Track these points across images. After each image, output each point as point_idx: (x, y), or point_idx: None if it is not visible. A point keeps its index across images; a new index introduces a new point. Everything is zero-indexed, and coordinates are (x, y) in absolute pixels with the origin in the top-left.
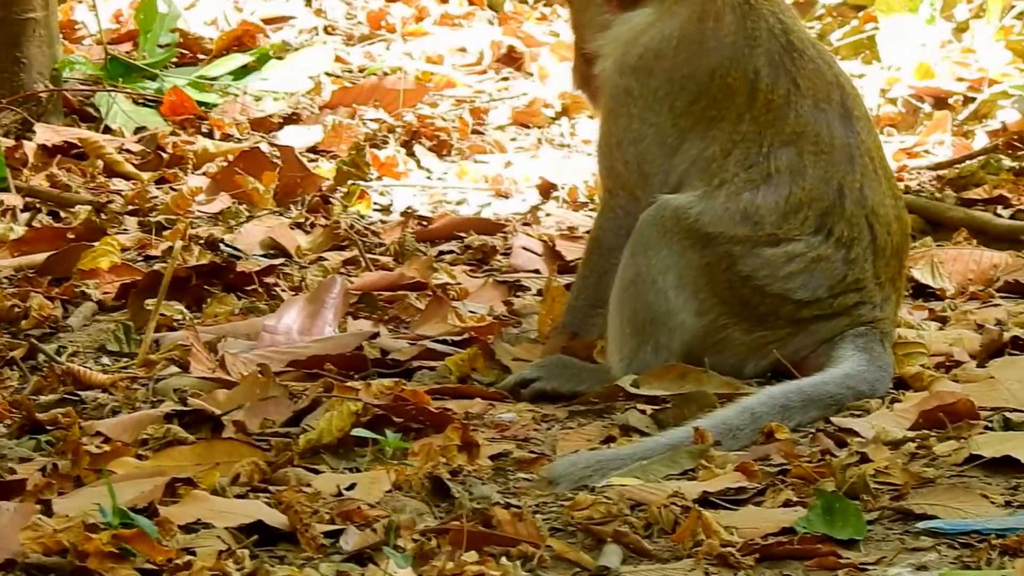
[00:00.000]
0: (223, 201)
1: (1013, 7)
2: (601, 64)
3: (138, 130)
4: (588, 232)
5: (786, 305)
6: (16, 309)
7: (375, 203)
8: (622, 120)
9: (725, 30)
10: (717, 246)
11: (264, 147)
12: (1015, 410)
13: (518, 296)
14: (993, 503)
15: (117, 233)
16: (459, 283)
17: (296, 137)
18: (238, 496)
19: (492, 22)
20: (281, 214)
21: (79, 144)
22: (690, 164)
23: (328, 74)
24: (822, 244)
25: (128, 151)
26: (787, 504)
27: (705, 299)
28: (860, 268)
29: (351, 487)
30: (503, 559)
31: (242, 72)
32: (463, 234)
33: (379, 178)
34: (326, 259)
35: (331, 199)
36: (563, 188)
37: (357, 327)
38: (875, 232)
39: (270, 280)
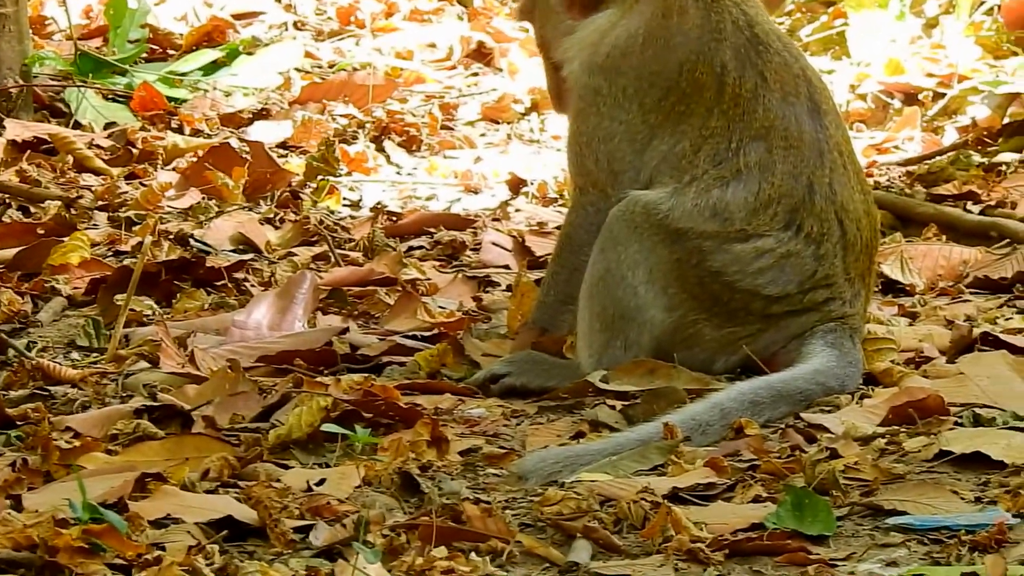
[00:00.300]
0: (193, 196)
1: (982, 3)
2: (568, 67)
3: (108, 126)
4: (558, 228)
5: (756, 301)
6: None
7: (345, 199)
8: (592, 119)
9: (690, 24)
10: (687, 242)
11: (234, 143)
12: (985, 406)
13: (488, 292)
14: (963, 499)
15: (87, 228)
16: (429, 279)
17: (266, 133)
18: (208, 491)
19: (462, 17)
20: (251, 209)
21: (49, 140)
22: (661, 160)
23: (298, 70)
24: (792, 240)
25: (98, 147)
26: (757, 500)
27: (675, 295)
28: (830, 264)
29: (321, 482)
30: (472, 555)
31: (212, 68)
32: (433, 230)
33: (349, 174)
34: (296, 254)
35: (301, 195)
36: (533, 184)
37: (327, 322)
38: (845, 227)
39: (240, 275)
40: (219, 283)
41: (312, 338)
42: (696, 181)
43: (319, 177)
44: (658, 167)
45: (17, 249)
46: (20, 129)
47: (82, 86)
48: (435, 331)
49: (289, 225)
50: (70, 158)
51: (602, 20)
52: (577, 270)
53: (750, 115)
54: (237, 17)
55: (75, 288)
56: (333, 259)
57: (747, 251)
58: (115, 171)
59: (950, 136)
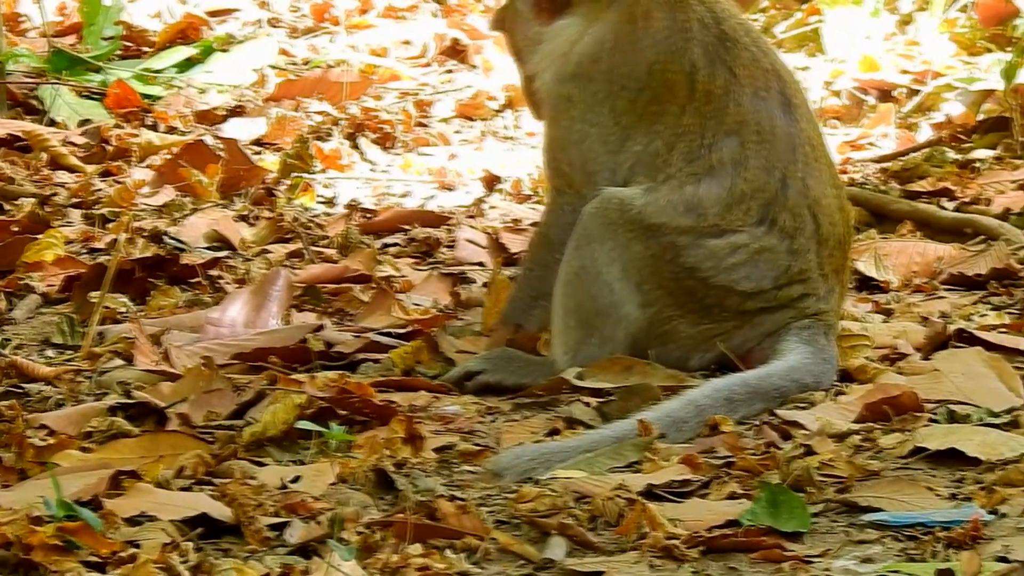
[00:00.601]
0: (167, 194)
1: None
2: (540, 79)
3: (82, 123)
4: (533, 225)
5: (731, 296)
6: None
7: (319, 196)
8: (564, 123)
9: (656, 26)
10: (661, 237)
11: (208, 140)
12: (960, 402)
13: (463, 288)
14: (938, 495)
15: (61, 226)
16: (403, 276)
17: (240, 130)
18: (182, 489)
19: (436, 15)
20: (225, 207)
21: (23, 137)
22: (635, 161)
23: (272, 67)
24: (766, 235)
25: (72, 144)
26: (732, 497)
27: (650, 291)
28: (804, 259)
29: (296, 480)
30: (448, 552)
31: (186, 65)
32: (407, 227)
33: (323, 171)
34: (270, 251)
35: (275, 192)
36: (507, 181)
37: (301, 320)
38: (819, 222)
39: (214, 272)
40: (194, 280)
41: (287, 335)
42: (670, 179)
43: (293, 174)
44: (633, 168)
45: None
46: None
47: (56, 83)
48: (410, 328)
49: (264, 222)
50: (44, 155)
51: (570, 30)
52: (551, 268)
53: (722, 111)
54: (212, 14)
55: (49, 285)
56: (308, 256)
57: (721, 246)
58: (89, 168)
59: (925, 133)
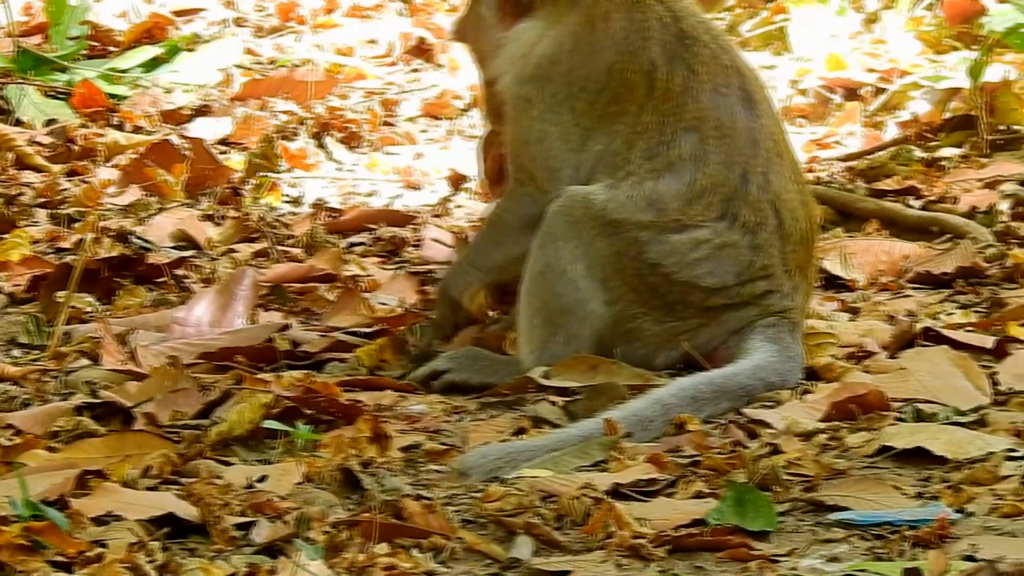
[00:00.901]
0: (133, 193)
1: None
2: (501, 81)
3: (48, 122)
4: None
5: (694, 293)
6: None
7: (285, 195)
8: (524, 123)
9: (615, 27)
10: (624, 233)
11: (174, 139)
12: (926, 401)
13: (429, 288)
14: (905, 494)
15: (27, 225)
16: (370, 275)
17: (206, 129)
18: (149, 488)
19: (402, 14)
20: (191, 206)
21: None
22: (597, 160)
23: (238, 66)
24: (727, 230)
25: (38, 143)
26: (698, 496)
27: (615, 288)
28: (767, 254)
29: (262, 479)
30: (414, 551)
31: (152, 64)
32: (373, 226)
33: (289, 170)
34: (236, 251)
35: (241, 191)
36: (473, 180)
37: (268, 319)
38: (781, 217)
39: (180, 272)
40: (160, 280)
41: (253, 335)
42: (630, 176)
43: (259, 174)
44: (595, 167)
45: None
46: None
47: (22, 83)
48: (376, 327)
49: (229, 222)
50: (10, 155)
51: (530, 33)
52: (499, 246)
53: (681, 108)
54: (177, 14)
55: (15, 285)
56: (274, 256)
57: (683, 242)
58: (55, 168)
59: (891, 131)
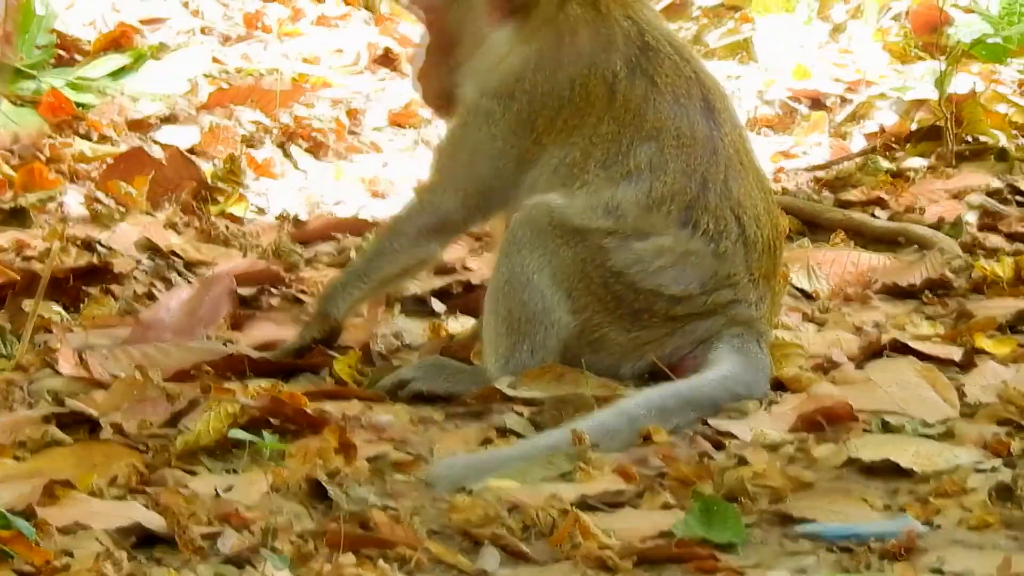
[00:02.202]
0: (100, 202)
1: (890, 8)
2: (464, 84)
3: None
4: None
5: (659, 301)
6: None
7: (251, 205)
8: (477, 135)
9: (580, 42)
10: (587, 241)
11: (149, 147)
12: (893, 413)
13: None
14: (872, 507)
15: None
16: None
17: (173, 138)
18: (116, 498)
19: (368, 23)
20: (153, 215)
21: None
22: (552, 173)
23: (205, 75)
24: (690, 238)
25: (9, 151)
26: (665, 507)
27: (579, 297)
28: (731, 263)
29: (228, 489)
30: (380, 561)
31: (119, 73)
32: (339, 235)
33: (256, 179)
34: (205, 260)
35: (206, 200)
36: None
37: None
38: (743, 224)
39: (146, 280)
40: (126, 288)
41: (216, 349)
42: (587, 185)
43: (223, 185)
44: (550, 179)
45: None
46: None
47: None
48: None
49: (193, 231)
50: None
51: (502, 47)
52: (384, 255)
53: (640, 118)
54: (144, 23)
55: None
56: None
57: (647, 249)
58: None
59: (858, 142)
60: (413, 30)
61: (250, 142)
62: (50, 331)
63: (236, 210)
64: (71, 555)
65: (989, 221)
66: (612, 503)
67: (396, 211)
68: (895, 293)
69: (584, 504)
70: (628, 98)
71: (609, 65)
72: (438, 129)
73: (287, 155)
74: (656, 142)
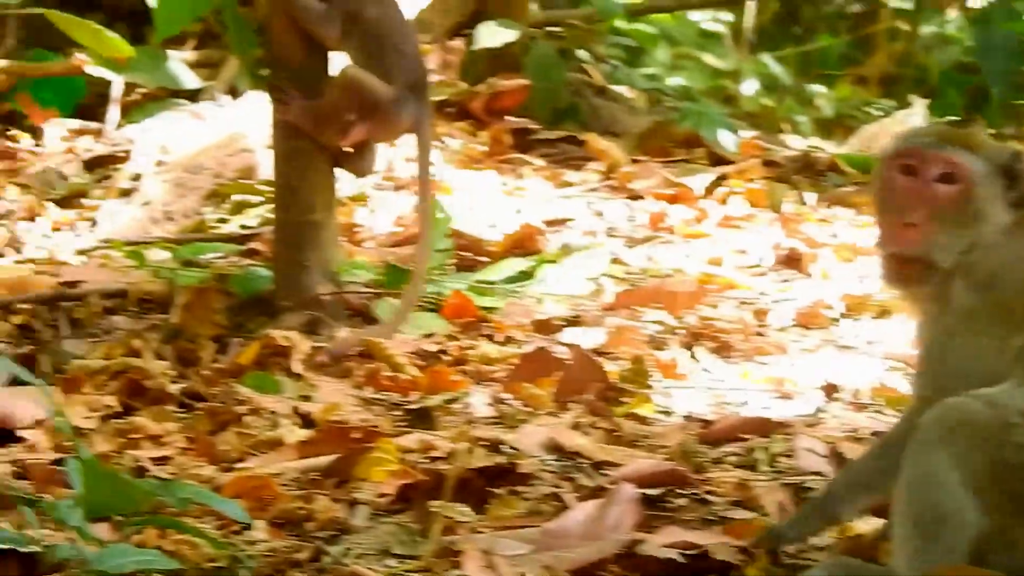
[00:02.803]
0: (506, 403)
1: None
2: (951, 279)
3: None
4: (873, 434)
5: None
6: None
7: (657, 405)
8: (964, 336)
9: None
10: (1011, 438)
11: (551, 349)
12: None
13: (802, 498)
14: None
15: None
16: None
17: (578, 339)
18: None
19: (773, 223)
20: (560, 416)
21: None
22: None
23: (607, 275)
24: None
25: (413, 354)
26: None
27: (993, 497)
28: None
29: None
30: None
31: (520, 276)
32: (746, 436)
33: (661, 380)
34: (614, 462)
35: (613, 401)
36: (846, 390)
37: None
38: None
39: (552, 481)
40: (531, 490)
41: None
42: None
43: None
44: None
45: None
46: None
47: (386, 295)
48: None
49: (600, 432)
50: (386, 366)
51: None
52: (884, 473)
53: None
54: (548, 224)
55: (382, 496)
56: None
57: None
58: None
59: None
60: (818, 230)
61: (656, 343)
62: (456, 532)
63: (642, 411)
64: None
65: None
66: None
67: (895, 425)
68: None
69: None
70: None
71: None
72: (842, 330)
73: (692, 356)
74: None
